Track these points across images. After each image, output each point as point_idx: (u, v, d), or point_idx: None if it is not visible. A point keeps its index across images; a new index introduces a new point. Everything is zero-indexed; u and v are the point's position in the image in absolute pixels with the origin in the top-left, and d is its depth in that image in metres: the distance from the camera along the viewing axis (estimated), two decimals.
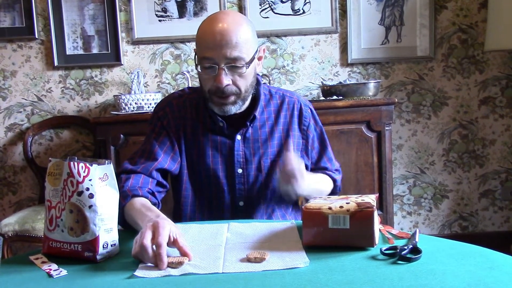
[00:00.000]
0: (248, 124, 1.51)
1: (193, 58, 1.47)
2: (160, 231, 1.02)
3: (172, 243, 1.04)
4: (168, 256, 1.00)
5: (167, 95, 2.77)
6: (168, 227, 1.05)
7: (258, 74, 1.53)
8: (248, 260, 1.00)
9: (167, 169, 1.48)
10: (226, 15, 1.42)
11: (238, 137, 1.51)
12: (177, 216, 1.56)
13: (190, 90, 1.61)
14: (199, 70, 1.42)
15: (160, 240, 1.00)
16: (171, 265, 0.98)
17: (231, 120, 1.50)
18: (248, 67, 1.40)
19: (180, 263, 0.99)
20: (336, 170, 1.68)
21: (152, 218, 1.13)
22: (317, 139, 1.62)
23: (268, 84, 1.97)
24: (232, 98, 1.43)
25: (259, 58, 1.50)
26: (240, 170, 1.51)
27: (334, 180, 1.64)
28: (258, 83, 1.54)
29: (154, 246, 1.01)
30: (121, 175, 1.42)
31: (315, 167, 1.63)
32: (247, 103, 1.51)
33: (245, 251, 1.05)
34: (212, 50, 1.36)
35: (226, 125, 1.50)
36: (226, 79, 1.39)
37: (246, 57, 1.39)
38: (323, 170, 1.64)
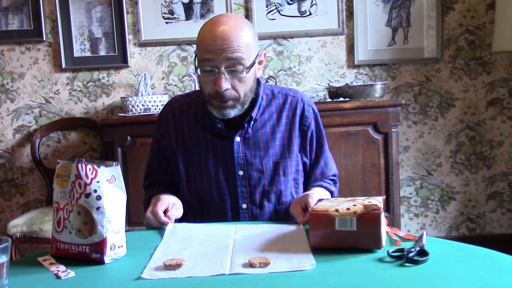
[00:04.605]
0: (246, 125, 1.50)
1: (194, 60, 1.47)
2: (157, 203, 1.37)
3: (165, 211, 1.36)
4: (166, 259, 1.03)
5: (173, 96, 2.79)
6: (166, 201, 1.39)
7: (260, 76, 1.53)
8: (252, 265, 0.99)
9: (171, 182, 1.61)
10: (228, 18, 1.41)
11: (237, 138, 1.50)
12: (179, 219, 1.56)
13: (196, 93, 1.61)
14: (199, 73, 1.42)
15: (155, 209, 1.34)
16: (170, 267, 0.99)
17: (230, 121, 1.49)
18: (248, 71, 1.40)
19: (178, 265, 0.99)
20: (333, 175, 1.63)
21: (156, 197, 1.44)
22: (315, 141, 1.59)
23: (274, 85, 1.96)
24: (231, 103, 1.42)
25: (260, 63, 1.49)
26: (241, 172, 1.50)
27: (331, 192, 1.60)
28: (258, 84, 1.52)
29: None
30: (145, 190, 1.66)
31: (311, 171, 1.60)
32: (246, 106, 1.49)
33: (252, 253, 1.05)
34: (212, 53, 1.36)
35: (224, 127, 1.49)
36: (226, 84, 1.38)
37: (247, 62, 1.38)
38: (320, 180, 1.61)
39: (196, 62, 1.43)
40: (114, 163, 1.09)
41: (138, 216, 2.38)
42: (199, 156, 1.52)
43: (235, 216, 1.50)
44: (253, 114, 1.50)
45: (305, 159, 1.57)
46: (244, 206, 1.51)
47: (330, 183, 1.61)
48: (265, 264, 0.98)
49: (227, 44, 1.35)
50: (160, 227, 1.32)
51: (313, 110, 1.59)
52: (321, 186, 1.58)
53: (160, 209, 1.35)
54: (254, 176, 1.50)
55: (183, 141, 1.55)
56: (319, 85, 3.04)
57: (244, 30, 1.39)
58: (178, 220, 1.40)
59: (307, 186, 1.61)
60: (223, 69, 1.37)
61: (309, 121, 1.56)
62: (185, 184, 1.54)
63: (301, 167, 1.57)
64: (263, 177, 1.50)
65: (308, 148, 1.57)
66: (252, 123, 1.51)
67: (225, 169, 1.50)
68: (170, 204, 1.40)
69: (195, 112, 1.56)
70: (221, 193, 1.50)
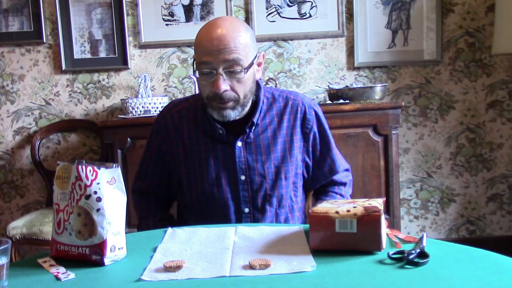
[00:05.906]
0: (247, 130, 1.50)
1: (192, 64, 1.48)
2: None
3: None
4: (166, 261, 1.03)
5: (173, 99, 2.78)
6: None
7: (260, 79, 1.53)
8: (252, 267, 0.98)
9: (163, 192, 1.65)
10: (225, 20, 1.41)
11: (239, 143, 1.50)
12: (181, 223, 1.56)
13: (195, 97, 1.61)
14: (197, 75, 1.42)
15: None
16: (170, 269, 0.99)
17: (231, 126, 1.49)
18: (246, 72, 1.40)
19: (178, 267, 0.99)
20: (346, 170, 1.67)
21: None
22: (319, 141, 1.59)
23: (274, 87, 1.96)
24: (231, 104, 1.42)
25: (259, 64, 1.49)
26: (243, 177, 1.50)
27: (341, 195, 1.62)
28: (258, 87, 1.52)
29: None
30: (134, 194, 1.67)
31: (318, 170, 1.61)
32: (247, 108, 1.49)
33: (252, 255, 1.05)
34: (210, 55, 1.36)
35: (225, 132, 1.49)
36: (224, 85, 1.38)
37: (245, 62, 1.38)
38: (328, 185, 1.63)
39: (195, 65, 1.43)
40: (114, 165, 1.09)
41: None
42: (200, 161, 1.52)
43: (238, 220, 1.51)
44: (255, 119, 1.49)
45: (307, 159, 1.57)
46: (247, 210, 1.51)
47: (343, 192, 1.64)
48: (265, 266, 0.98)
49: (223, 45, 1.35)
50: None
51: (315, 111, 1.59)
52: (332, 192, 1.62)
53: None
54: (256, 180, 1.50)
55: (183, 146, 1.54)
56: (319, 87, 3.04)
57: (241, 31, 1.39)
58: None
59: (315, 184, 1.63)
60: (221, 70, 1.37)
61: (311, 124, 1.56)
62: (187, 189, 1.54)
63: (300, 171, 1.57)
64: (265, 181, 1.50)
65: (311, 149, 1.58)
66: (253, 127, 1.51)
67: (227, 174, 1.50)
68: None
69: (194, 116, 1.55)
70: (223, 197, 1.50)
